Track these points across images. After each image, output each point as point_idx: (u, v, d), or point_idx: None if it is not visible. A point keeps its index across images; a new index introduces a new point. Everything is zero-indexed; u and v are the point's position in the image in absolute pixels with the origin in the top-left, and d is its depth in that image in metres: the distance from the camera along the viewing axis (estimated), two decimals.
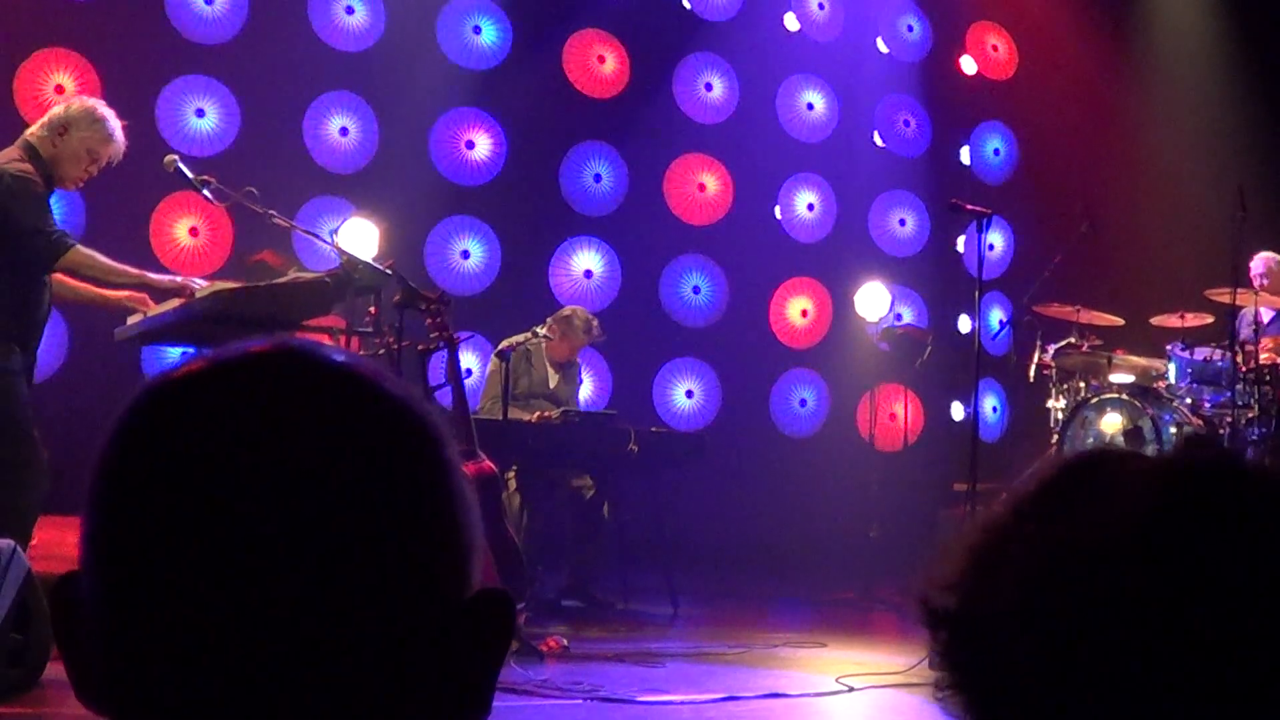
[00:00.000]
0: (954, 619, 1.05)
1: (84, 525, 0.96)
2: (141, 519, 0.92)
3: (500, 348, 9.19)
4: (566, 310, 9.79)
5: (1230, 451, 1.07)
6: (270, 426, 0.92)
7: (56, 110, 7.09)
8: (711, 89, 12.70)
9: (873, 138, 13.26)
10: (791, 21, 12.89)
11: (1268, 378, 9.52)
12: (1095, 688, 0.97)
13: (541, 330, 9.34)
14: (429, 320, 7.58)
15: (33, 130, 7.05)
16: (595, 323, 9.75)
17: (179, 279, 7.26)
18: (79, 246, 6.85)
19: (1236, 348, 9.57)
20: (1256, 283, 10.17)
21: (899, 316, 12.49)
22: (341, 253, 7.40)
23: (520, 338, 9.33)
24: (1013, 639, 1.00)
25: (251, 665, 0.90)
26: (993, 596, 1.02)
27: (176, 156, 7.33)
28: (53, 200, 7.09)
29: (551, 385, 9.67)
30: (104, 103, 7.14)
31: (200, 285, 7.13)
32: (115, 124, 7.06)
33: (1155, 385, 10.02)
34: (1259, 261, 10.35)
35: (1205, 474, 1.02)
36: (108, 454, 0.96)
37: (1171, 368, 10.02)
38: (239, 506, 0.90)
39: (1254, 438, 9.52)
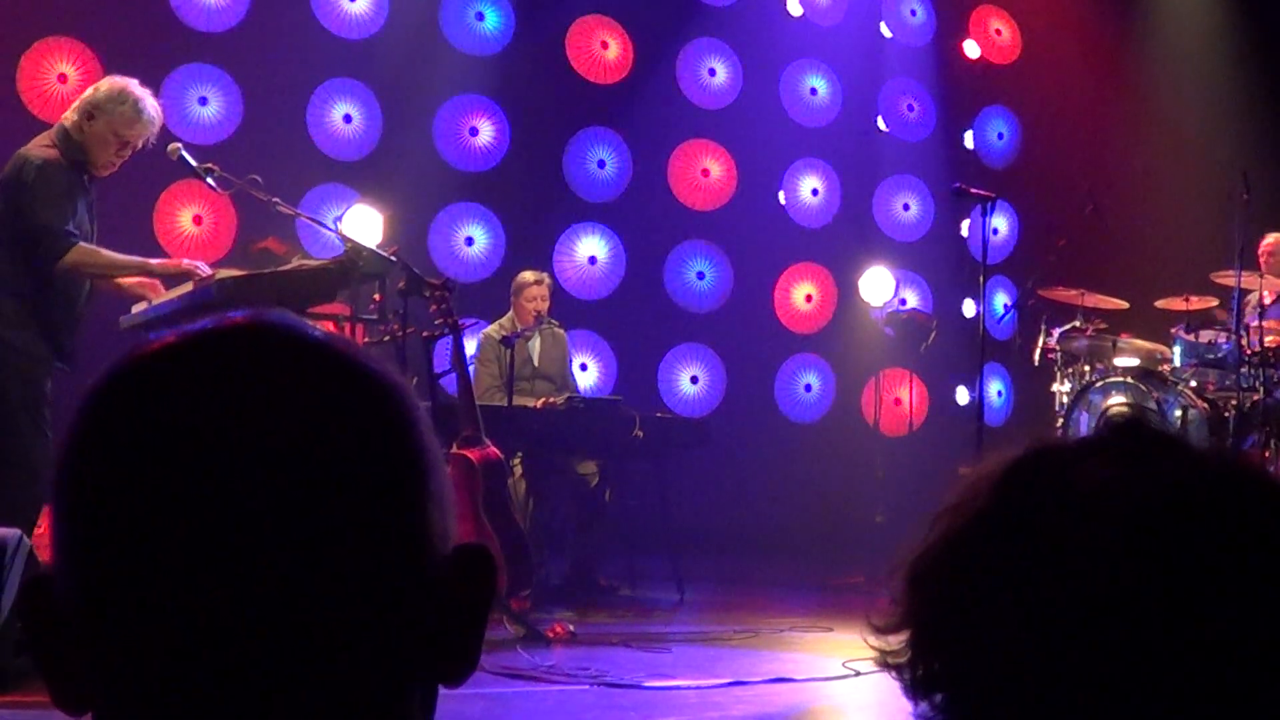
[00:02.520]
0: (933, 646, 1.04)
1: (56, 519, 0.92)
2: (122, 505, 0.88)
3: (504, 335, 9.20)
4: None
5: (1173, 438, 1.05)
6: (251, 400, 0.89)
7: (88, 92, 7.01)
8: (715, 74, 12.68)
9: (876, 122, 13.24)
10: (794, 6, 12.86)
11: (1272, 360, 9.51)
12: (1090, 696, 0.97)
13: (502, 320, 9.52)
14: (433, 307, 7.59)
15: (67, 114, 6.99)
16: (533, 275, 9.71)
17: (184, 262, 7.25)
18: (80, 245, 6.79)
19: (1241, 331, 9.56)
20: (1264, 263, 10.17)
21: (903, 301, 12.48)
22: (345, 240, 7.38)
23: (494, 327, 9.45)
24: (1000, 658, 0.99)
25: (245, 645, 0.87)
26: (974, 620, 1.01)
27: (180, 144, 7.31)
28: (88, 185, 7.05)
29: (536, 361, 9.65)
30: (138, 81, 7.07)
31: (203, 267, 7.13)
32: (148, 103, 6.95)
33: (1160, 368, 10.01)
34: (1266, 244, 10.34)
35: (1170, 472, 1.01)
36: (78, 437, 0.91)
37: (1176, 351, 10.02)
38: (223, 484, 0.87)
39: (1258, 420, 9.50)
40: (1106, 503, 0.99)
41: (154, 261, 7.23)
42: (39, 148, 6.84)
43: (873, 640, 1.07)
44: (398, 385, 0.96)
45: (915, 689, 1.04)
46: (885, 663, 1.06)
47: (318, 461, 0.89)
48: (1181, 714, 0.95)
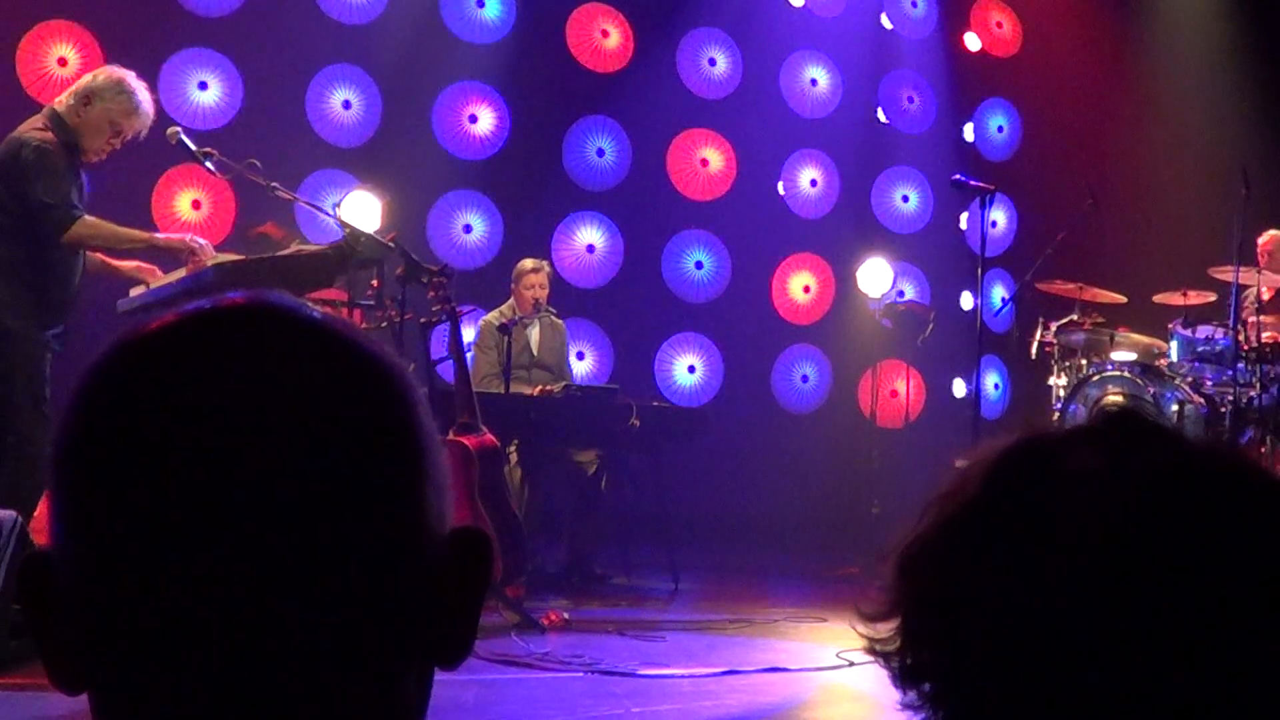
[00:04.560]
0: (924, 647, 1.04)
1: (54, 502, 0.92)
2: (118, 489, 0.88)
3: (503, 322, 9.20)
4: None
5: (1165, 428, 1.05)
6: (248, 382, 0.89)
7: (85, 79, 7.09)
8: (715, 64, 12.67)
9: (876, 114, 13.23)
10: None
11: (1269, 356, 9.51)
12: (1077, 687, 0.97)
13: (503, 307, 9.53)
14: (431, 293, 7.59)
15: (61, 98, 7.05)
16: (533, 263, 9.72)
17: (188, 238, 7.27)
18: (85, 218, 6.84)
19: (1239, 326, 9.55)
20: (1262, 260, 10.16)
21: (901, 293, 12.47)
22: (344, 226, 7.39)
23: (494, 314, 9.46)
24: (987, 647, 0.99)
25: (241, 627, 0.87)
26: (963, 609, 1.00)
27: (179, 129, 7.33)
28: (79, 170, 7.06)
29: (535, 350, 9.66)
30: (134, 74, 7.12)
31: (207, 246, 7.15)
32: (143, 96, 7.04)
33: (1157, 363, 10.01)
34: (1264, 240, 10.34)
35: (1162, 469, 1.00)
36: (75, 420, 0.91)
37: (1173, 345, 10.01)
38: (219, 467, 0.87)
39: (1255, 415, 9.50)
40: (1095, 492, 0.99)
41: (157, 236, 7.26)
42: (33, 130, 6.87)
43: (862, 628, 1.07)
44: (396, 367, 0.96)
45: (903, 678, 1.04)
46: (874, 651, 1.06)
47: (314, 444, 0.89)
48: (1170, 703, 0.95)
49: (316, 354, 0.93)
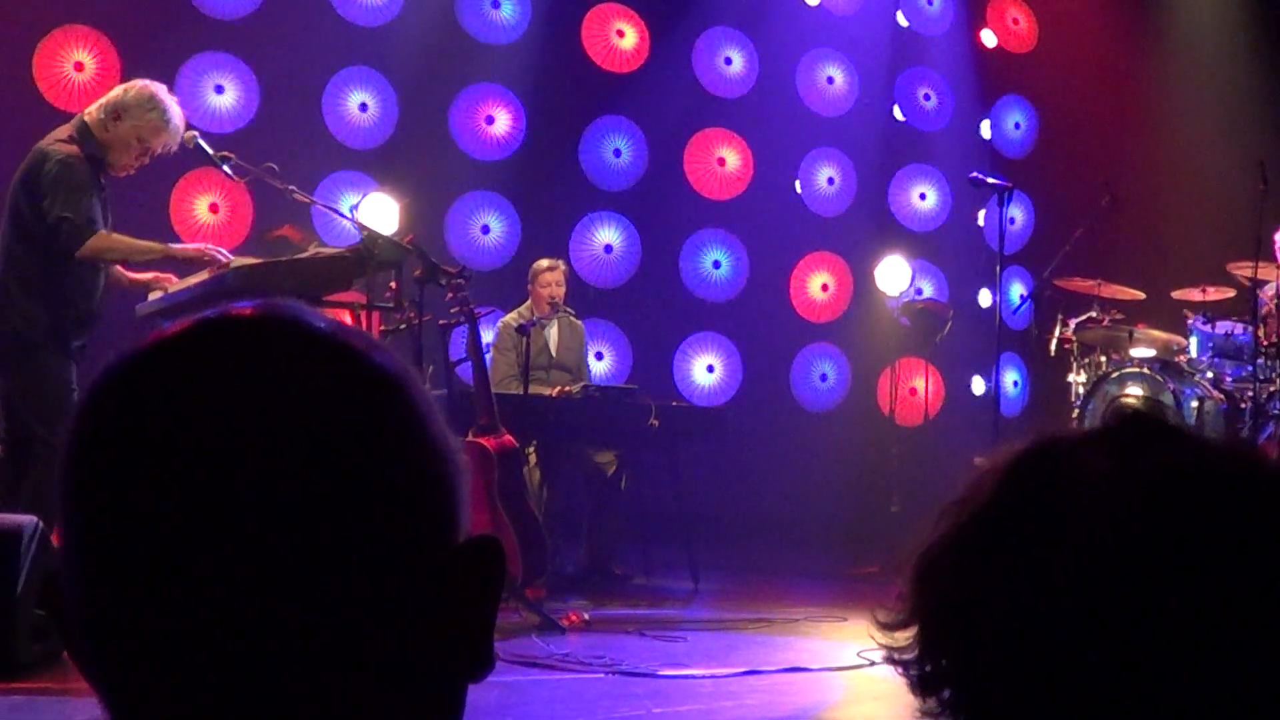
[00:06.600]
0: (939, 652, 1.03)
1: (60, 500, 0.93)
2: (118, 500, 0.88)
3: (521, 324, 9.20)
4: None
5: (1177, 428, 1.05)
6: (252, 393, 0.89)
7: (116, 92, 7.05)
8: (731, 63, 12.67)
9: (893, 112, 13.21)
10: None
11: None
12: (1092, 692, 0.96)
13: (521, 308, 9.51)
14: (450, 295, 7.60)
15: (91, 110, 7.02)
16: (549, 262, 9.70)
17: (205, 247, 7.28)
18: (102, 232, 6.83)
19: (1258, 321, 9.52)
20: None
21: (919, 291, 12.46)
22: (362, 228, 7.39)
23: (512, 315, 9.45)
24: (1003, 653, 0.99)
25: (244, 631, 0.87)
26: (979, 615, 1.00)
27: (196, 133, 7.32)
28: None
29: (553, 350, 9.66)
30: (165, 88, 7.10)
31: (223, 252, 7.15)
32: (174, 112, 7.00)
33: (1176, 359, 9.98)
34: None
35: (1173, 470, 1.00)
36: (78, 432, 0.93)
37: (1193, 341, 9.99)
38: (220, 479, 0.87)
39: (1276, 411, 9.48)
40: (1103, 494, 0.99)
41: (174, 246, 7.27)
42: (57, 143, 6.85)
43: (880, 637, 1.07)
44: (402, 375, 0.96)
45: (921, 685, 1.04)
46: (893, 659, 1.06)
47: (317, 447, 0.89)
48: (1178, 706, 0.95)
49: (321, 360, 0.93)
